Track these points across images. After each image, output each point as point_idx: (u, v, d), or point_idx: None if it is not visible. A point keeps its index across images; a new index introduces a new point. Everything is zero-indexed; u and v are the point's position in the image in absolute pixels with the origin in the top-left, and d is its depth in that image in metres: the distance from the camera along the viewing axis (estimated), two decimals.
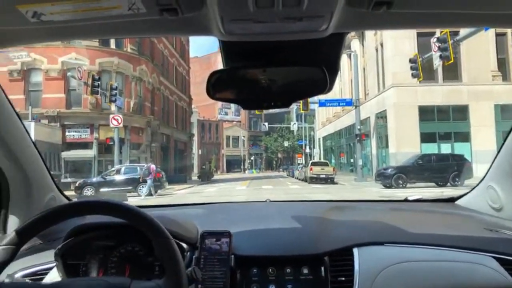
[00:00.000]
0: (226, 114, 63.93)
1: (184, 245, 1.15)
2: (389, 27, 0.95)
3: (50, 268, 1.12)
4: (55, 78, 21.83)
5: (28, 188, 1.38)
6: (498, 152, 1.46)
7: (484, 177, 1.59)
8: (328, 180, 22.62)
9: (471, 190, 1.72)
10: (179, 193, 18.00)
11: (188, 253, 1.15)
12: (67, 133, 21.76)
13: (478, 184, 1.65)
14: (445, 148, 21.07)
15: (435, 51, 13.72)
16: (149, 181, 16.23)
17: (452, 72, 20.77)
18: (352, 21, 0.80)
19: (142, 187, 16.60)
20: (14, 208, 1.34)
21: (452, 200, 1.83)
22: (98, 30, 0.88)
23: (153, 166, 16.98)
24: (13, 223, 1.33)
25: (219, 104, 58.75)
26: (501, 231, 1.32)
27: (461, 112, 21.28)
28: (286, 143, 60.94)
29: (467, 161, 17.43)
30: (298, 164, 41.52)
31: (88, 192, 16.43)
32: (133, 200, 14.00)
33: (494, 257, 1.16)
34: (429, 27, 0.92)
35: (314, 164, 25.16)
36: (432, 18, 0.85)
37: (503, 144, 1.43)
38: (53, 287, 0.85)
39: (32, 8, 0.72)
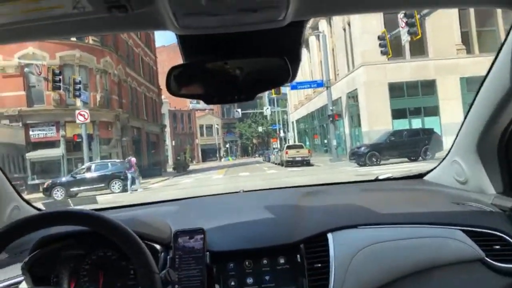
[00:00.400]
0: (198, 102, 62.99)
1: (157, 246, 1.13)
2: (349, 11, 0.91)
3: (19, 283, 1.07)
4: (13, 75, 20.75)
5: None
6: (460, 127, 1.48)
7: (449, 152, 1.62)
8: (304, 163, 22.82)
9: (438, 165, 1.76)
10: (153, 187, 17.60)
11: (162, 254, 1.13)
12: (31, 133, 20.80)
13: (443, 159, 1.69)
14: (416, 123, 21.48)
15: (402, 27, 13.78)
16: (129, 175, 16.38)
17: (419, 47, 21.08)
18: (309, 8, 0.79)
19: (115, 183, 16.16)
20: None
21: (420, 176, 1.88)
22: (46, 30, 0.84)
23: (133, 159, 17.24)
24: None
25: None
26: (467, 203, 1.36)
27: (429, 87, 21.69)
28: (260, 129, 61.03)
29: (437, 135, 17.91)
30: (274, 148, 41.62)
31: (58, 193, 15.73)
32: (106, 198, 13.55)
33: (462, 230, 1.19)
34: (390, 9, 0.90)
35: (289, 147, 25.29)
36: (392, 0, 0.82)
37: (464, 119, 1.45)
38: None
39: None
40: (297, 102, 38.47)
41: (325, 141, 29.84)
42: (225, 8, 0.73)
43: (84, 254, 1.10)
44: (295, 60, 1.02)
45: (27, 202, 1.58)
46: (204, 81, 1.02)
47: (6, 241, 0.83)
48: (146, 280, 0.84)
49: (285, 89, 33.17)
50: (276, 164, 28.01)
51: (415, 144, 17.31)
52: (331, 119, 22.40)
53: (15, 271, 1.10)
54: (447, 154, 1.65)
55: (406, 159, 17.06)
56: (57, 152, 21.08)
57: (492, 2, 0.93)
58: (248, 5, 0.73)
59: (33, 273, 1.04)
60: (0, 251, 0.82)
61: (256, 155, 56.76)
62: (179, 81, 1.01)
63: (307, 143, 34.17)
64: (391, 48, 15.23)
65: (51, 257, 1.07)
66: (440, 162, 1.73)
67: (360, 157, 17.36)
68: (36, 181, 19.09)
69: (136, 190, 16.14)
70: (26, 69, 19.56)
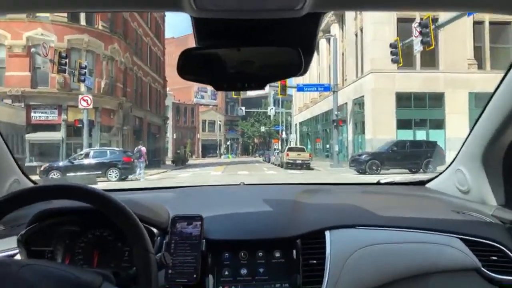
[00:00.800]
0: (203, 97, 63.01)
1: (154, 230, 1.14)
2: (367, 7, 0.90)
3: (13, 255, 1.07)
4: (20, 55, 20.52)
5: None
6: (467, 137, 1.49)
7: (453, 161, 1.62)
8: (304, 166, 22.73)
9: (441, 174, 1.76)
10: (151, 178, 17.46)
11: (159, 238, 1.15)
12: (32, 114, 20.62)
13: (447, 168, 1.69)
14: (420, 135, 21.33)
15: (416, 37, 13.57)
16: (140, 164, 16.87)
17: (430, 59, 20.90)
18: (328, 0, 0.79)
19: (112, 171, 16.06)
20: None
21: (422, 183, 1.88)
22: (63, 2, 0.82)
23: (143, 149, 17.73)
24: None
25: (195, 87, 57.87)
26: (468, 213, 1.37)
27: (437, 99, 21.52)
28: (262, 128, 61.00)
29: (440, 148, 17.80)
30: (275, 149, 41.54)
31: (54, 176, 15.67)
32: (102, 184, 13.42)
33: (460, 238, 1.20)
34: (410, 9, 0.89)
35: (290, 149, 25.18)
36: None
37: (472, 129, 1.45)
38: (16, 264, 0.74)
39: None
40: (302, 105, 38.33)
41: (327, 146, 29.72)
42: None
43: (80, 231, 1.10)
44: (309, 52, 1.00)
45: (27, 176, 1.59)
46: (215, 66, 0.99)
47: (6, 209, 0.82)
48: (141, 260, 0.84)
49: (291, 91, 33.01)
50: (276, 165, 27.91)
51: (417, 156, 17.14)
52: (335, 124, 22.23)
53: (10, 244, 1.10)
54: (450, 163, 1.66)
55: (406, 170, 16.91)
56: (57, 135, 20.91)
57: (495, 7, 0.90)
58: None
59: (28, 246, 1.04)
60: (9, 212, 0.82)
61: (256, 154, 56.64)
62: (190, 65, 0.99)
63: (309, 146, 34.05)
64: (402, 57, 15.05)
65: (47, 232, 1.07)
66: (444, 171, 1.74)
67: (360, 164, 17.24)
68: (34, 163, 18.90)
69: (138, 179, 16.23)
70: (33, 49, 19.35)
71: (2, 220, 0.84)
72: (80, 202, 0.88)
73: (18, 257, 1.05)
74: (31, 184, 1.59)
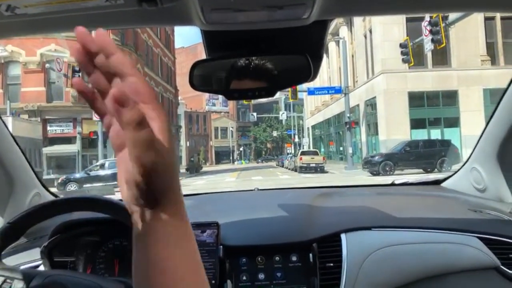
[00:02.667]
0: (214, 105, 63.38)
1: None
2: (374, 13, 0.91)
3: (37, 267, 1.09)
4: (34, 70, 21.05)
5: (10, 185, 1.36)
6: (482, 134, 1.47)
7: (468, 159, 1.61)
8: (318, 169, 22.58)
9: (456, 172, 1.75)
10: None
11: None
12: (48, 128, 21.09)
13: (462, 166, 1.68)
14: (435, 134, 20.99)
15: (426, 35, 13.44)
16: None
17: (441, 57, 20.63)
18: (335, 7, 0.79)
19: None
20: None
21: (437, 182, 1.86)
22: (75, 22, 0.75)
23: None
24: None
25: (207, 95, 58.22)
26: (485, 211, 1.35)
27: (451, 97, 21.18)
28: (275, 133, 61.00)
29: (454, 147, 17.45)
30: (288, 153, 41.41)
31: (72, 188, 15.91)
32: (120, 194, 13.57)
33: (478, 237, 1.18)
34: (416, 12, 0.88)
35: (303, 153, 25.07)
36: (419, 2, 0.83)
37: (486, 126, 1.44)
38: (40, 275, 0.76)
39: (5, 1, 0.70)
40: (314, 108, 38.19)
41: (341, 148, 29.50)
42: (252, 4, 0.75)
43: (100, 241, 1.13)
44: (317, 59, 1.03)
45: (48, 189, 1.62)
46: (226, 76, 1.01)
47: (29, 223, 0.83)
48: None
49: (302, 95, 32.93)
50: (289, 169, 27.79)
51: (431, 155, 16.88)
52: (347, 126, 22.05)
53: (33, 256, 1.13)
54: (465, 162, 1.64)
55: (421, 170, 16.65)
56: (73, 148, 21.29)
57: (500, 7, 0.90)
58: (275, 2, 0.73)
59: (51, 257, 1.06)
60: (21, 234, 0.82)
61: (260, 160, 55.79)
62: (202, 76, 1.02)
63: (322, 149, 33.85)
64: (413, 56, 14.89)
65: (69, 243, 1.10)
66: (459, 169, 1.72)
67: (373, 166, 17.04)
68: (52, 176, 19.28)
69: None
70: (47, 65, 19.82)
71: (25, 233, 0.86)
72: (98, 213, 0.89)
73: (41, 268, 1.08)
74: (51, 197, 1.61)
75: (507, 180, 1.42)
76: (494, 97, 19.41)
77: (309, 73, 0.97)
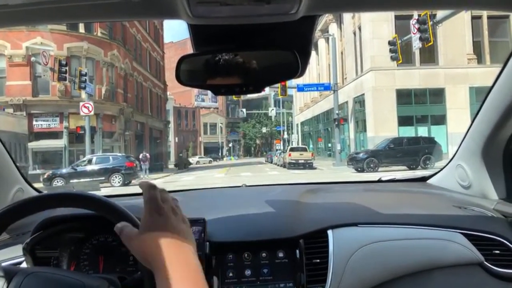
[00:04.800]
0: (203, 100, 63.05)
1: None
2: (363, 9, 0.90)
3: (19, 263, 1.09)
4: (20, 64, 20.66)
5: None
6: (467, 132, 1.48)
7: (454, 156, 1.62)
8: (307, 166, 22.71)
9: (441, 169, 1.77)
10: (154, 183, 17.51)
11: None
12: (34, 122, 20.70)
13: (448, 163, 1.69)
14: (422, 131, 21.28)
15: (414, 33, 13.56)
16: (144, 166, 20.23)
17: (429, 55, 20.88)
18: (323, 3, 0.79)
19: (115, 177, 16.09)
20: None
21: (423, 179, 1.88)
22: (62, 14, 0.83)
23: (148, 154, 21.96)
24: None
25: (196, 90, 57.81)
26: (469, 207, 1.37)
27: (438, 95, 21.48)
28: (264, 129, 61.00)
29: (437, 144, 17.72)
30: (277, 150, 41.50)
31: (58, 183, 15.71)
32: (106, 190, 13.44)
33: (463, 233, 1.20)
34: (404, 8, 0.88)
35: (292, 149, 25.16)
36: None
37: (471, 124, 1.45)
38: (22, 272, 0.73)
39: None
40: (303, 105, 38.31)
41: (329, 145, 29.68)
42: None
43: (84, 238, 1.11)
44: (305, 54, 1.01)
45: (31, 185, 1.59)
46: (213, 71, 1.00)
47: (10, 219, 0.81)
48: (146, 267, 0.82)
49: (291, 91, 33.02)
50: (278, 165, 27.86)
51: (415, 152, 17.14)
52: (336, 123, 22.21)
53: (16, 252, 1.12)
54: (451, 159, 1.65)
55: (405, 167, 16.86)
56: (60, 143, 21.00)
57: (492, 4, 0.90)
58: None
59: (34, 254, 1.05)
60: (2, 230, 0.80)
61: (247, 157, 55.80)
62: (189, 70, 1.00)
63: (311, 146, 34.00)
64: (401, 54, 15.02)
65: (52, 239, 1.08)
66: (444, 166, 1.73)
67: (358, 162, 17.22)
68: (38, 171, 18.98)
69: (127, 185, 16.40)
70: (33, 59, 19.44)
71: (7, 229, 0.84)
72: (83, 209, 0.88)
73: (24, 265, 1.06)
74: (35, 193, 1.59)
75: (491, 177, 1.43)
76: (480, 95, 19.71)
77: (297, 69, 0.96)
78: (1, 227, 0.80)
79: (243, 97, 55.21)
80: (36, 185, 1.68)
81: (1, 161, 1.39)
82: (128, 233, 0.69)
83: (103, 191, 12.61)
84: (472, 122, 1.44)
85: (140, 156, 21.39)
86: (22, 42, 20.36)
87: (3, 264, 1.03)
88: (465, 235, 1.20)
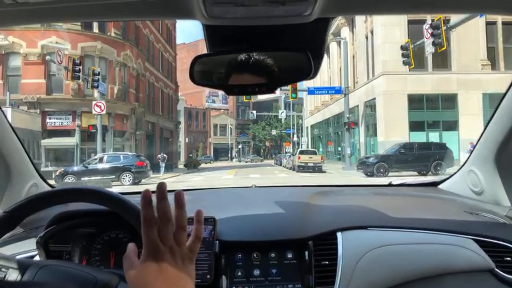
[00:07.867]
0: (214, 102, 63.30)
1: None
2: (376, 12, 0.92)
3: (32, 257, 1.10)
4: (35, 62, 20.97)
5: (7, 175, 1.37)
6: (480, 138, 1.48)
7: (466, 161, 1.62)
8: (316, 169, 22.59)
9: (453, 175, 1.76)
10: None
11: None
12: (47, 120, 21.01)
13: (460, 169, 1.69)
14: (433, 137, 21.06)
15: (427, 38, 13.45)
16: (162, 165, 23.08)
17: (442, 60, 20.67)
18: (337, 5, 0.79)
19: (126, 176, 16.24)
20: None
21: (434, 184, 1.87)
22: (77, 13, 0.84)
23: (165, 155, 24.45)
24: None
25: (206, 91, 58.18)
26: (481, 214, 1.36)
27: (450, 100, 21.24)
28: (274, 132, 60.93)
29: (449, 150, 17.47)
30: (286, 152, 41.41)
31: (69, 181, 15.88)
32: (117, 188, 13.57)
33: (474, 239, 1.18)
34: (418, 12, 0.87)
35: (302, 152, 25.09)
36: (423, 2, 0.82)
37: (484, 130, 1.45)
38: (35, 265, 0.77)
39: None
40: (313, 108, 38.20)
41: (339, 148, 29.52)
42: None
43: (96, 233, 1.13)
44: (318, 56, 1.03)
45: (45, 180, 1.61)
46: (226, 71, 1.01)
47: (25, 212, 0.82)
48: None
49: (302, 94, 32.96)
50: (287, 168, 27.80)
51: (426, 158, 16.90)
52: (346, 127, 22.08)
53: (29, 245, 1.13)
54: (463, 164, 1.64)
55: (415, 173, 16.67)
56: (72, 141, 21.24)
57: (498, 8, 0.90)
58: None
59: (47, 248, 1.08)
60: (17, 224, 0.82)
61: (248, 157, 55.03)
62: (202, 70, 1.02)
63: (321, 149, 33.89)
64: (413, 59, 14.91)
65: (65, 234, 1.11)
66: (456, 172, 1.72)
67: (368, 167, 17.03)
68: (50, 168, 19.23)
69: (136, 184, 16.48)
70: (47, 57, 19.75)
71: (21, 223, 0.85)
72: (96, 205, 0.89)
73: (37, 258, 1.08)
74: (48, 188, 1.60)
75: (503, 183, 1.42)
76: (493, 102, 19.41)
77: (310, 70, 0.97)
78: (16, 221, 0.81)
79: (253, 99, 55.23)
80: (48, 181, 1.70)
81: (19, 157, 1.43)
82: (128, 264, 0.67)
83: (114, 189, 12.72)
84: (486, 127, 1.43)
85: (159, 156, 24.18)
86: (38, 41, 20.68)
87: (17, 257, 1.05)
88: (476, 241, 1.18)
